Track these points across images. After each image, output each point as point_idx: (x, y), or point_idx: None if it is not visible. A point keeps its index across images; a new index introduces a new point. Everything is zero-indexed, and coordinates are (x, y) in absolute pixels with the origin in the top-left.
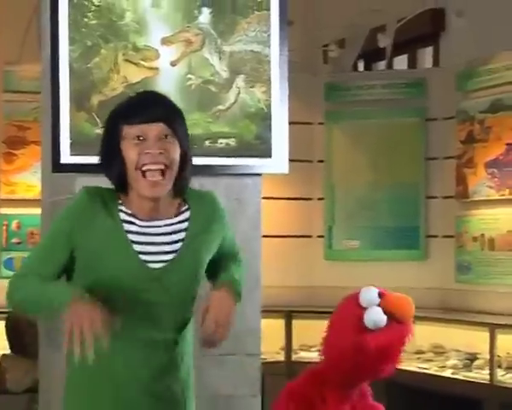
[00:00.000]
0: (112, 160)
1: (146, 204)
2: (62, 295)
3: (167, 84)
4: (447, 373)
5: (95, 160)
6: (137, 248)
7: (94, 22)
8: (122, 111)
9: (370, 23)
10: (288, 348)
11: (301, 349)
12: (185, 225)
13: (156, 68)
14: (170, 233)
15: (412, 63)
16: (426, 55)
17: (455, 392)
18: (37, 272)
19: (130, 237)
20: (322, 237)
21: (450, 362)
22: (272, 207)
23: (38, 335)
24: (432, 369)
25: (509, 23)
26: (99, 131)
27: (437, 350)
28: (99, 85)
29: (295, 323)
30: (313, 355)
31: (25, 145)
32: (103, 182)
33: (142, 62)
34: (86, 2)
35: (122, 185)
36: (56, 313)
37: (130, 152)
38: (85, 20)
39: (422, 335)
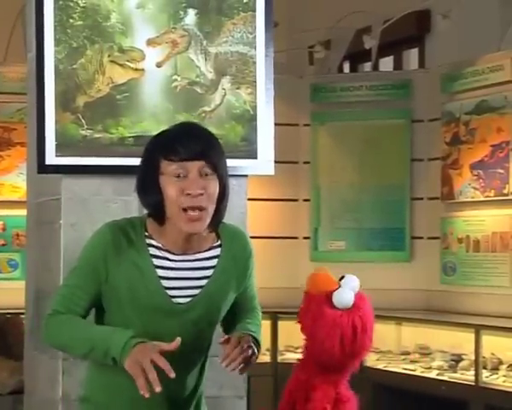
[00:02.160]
0: (149, 191)
1: (182, 237)
2: (117, 339)
3: (153, 85)
4: (432, 374)
5: (80, 161)
6: (165, 283)
7: (79, 23)
8: (161, 145)
9: (356, 24)
10: (274, 349)
11: (287, 350)
12: (214, 261)
13: (142, 69)
14: (199, 268)
15: (398, 65)
16: (411, 56)
17: (440, 393)
18: (71, 310)
19: (160, 272)
20: (307, 238)
21: (436, 363)
22: (258, 208)
23: (23, 336)
24: (417, 370)
25: (494, 25)
26: (84, 132)
27: (422, 351)
28: (84, 86)
29: (281, 324)
30: (299, 356)
31: (10, 146)
32: (89, 183)
33: (128, 63)
34: (72, 4)
35: (158, 215)
36: (108, 358)
37: (169, 189)
38: (71, 21)
39: (408, 336)
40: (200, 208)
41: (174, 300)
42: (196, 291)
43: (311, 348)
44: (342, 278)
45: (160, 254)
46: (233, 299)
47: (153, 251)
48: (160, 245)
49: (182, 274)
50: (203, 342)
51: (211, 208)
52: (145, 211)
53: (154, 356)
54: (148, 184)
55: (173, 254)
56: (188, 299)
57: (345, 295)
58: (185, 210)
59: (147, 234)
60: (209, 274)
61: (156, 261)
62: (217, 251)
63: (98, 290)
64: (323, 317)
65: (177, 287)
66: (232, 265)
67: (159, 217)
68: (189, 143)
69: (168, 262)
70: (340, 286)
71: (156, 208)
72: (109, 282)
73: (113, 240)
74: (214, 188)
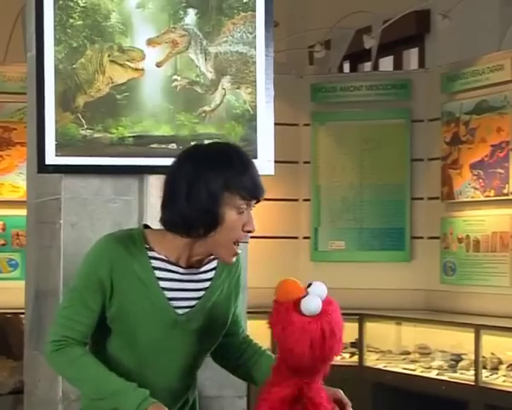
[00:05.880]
0: (206, 213)
1: (188, 248)
2: (131, 399)
3: (153, 85)
4: (432, 374)
5: (80, 161)
6: (168, 294)
7: (79, 23)
8: (232, 180)
9: (356, 24)
10: (274, 349)
11: None
12: (212, 273)
13: (142, 69)
14: (198, 280)
15: (398, 65)
16: (411, 56)
17: (440, 393)
18: (77, 337)
19: (162, 284)
20: (308, 238)
21: (436, 363)
22: (258, 208)
23: (23, 335)
24: (417, 370)
25: (494, 25)
26: (84, 132)
27: (422, 351)
28: (84, 86)
29: None
30: None
31: (10, 146)
32: (89, 183)
33: (128, 63)
34: (71, 3)
35: (189, 230)
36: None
37: (232, 222)
38: (71, 20)
39: (408, 336)
40: None
41: (176, 311)
42: (193, 302)
43: (282, 354)
44: (310, 285)
45: (162, 266)
46: (231, 316)
47: (155, 263)
48: (162, 256)
49: (183, 285)
50: (202, 352)
51: None
52: (144, 211)
53: None
54: (207, 207)
55: (175, 265)
56: (186, 310)
57: (312, 302)
58: (235, 243)
59: (147, 246)
60: (207, 286)
61: (158, 273)
62: (214, 263)
63: (103, 305)
64: (292, 324)
65: (178, 298)
66: (227, 277)
67: (189, 231)
68: (259, 182)
69: (170, 273)
70: (307, 294)
71: (205, 227)
72: (114, 295)
73: (115, 253)
74: None
